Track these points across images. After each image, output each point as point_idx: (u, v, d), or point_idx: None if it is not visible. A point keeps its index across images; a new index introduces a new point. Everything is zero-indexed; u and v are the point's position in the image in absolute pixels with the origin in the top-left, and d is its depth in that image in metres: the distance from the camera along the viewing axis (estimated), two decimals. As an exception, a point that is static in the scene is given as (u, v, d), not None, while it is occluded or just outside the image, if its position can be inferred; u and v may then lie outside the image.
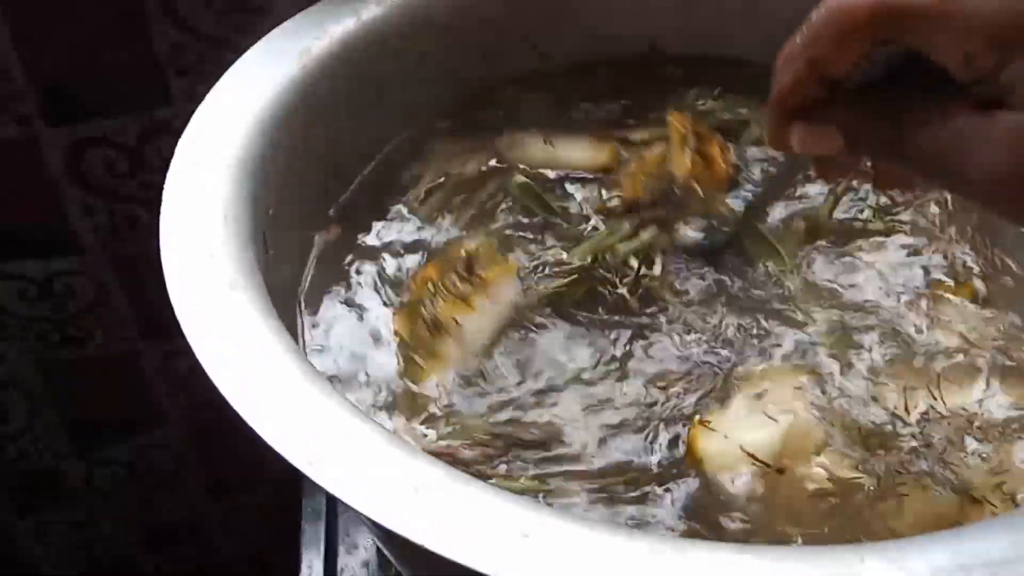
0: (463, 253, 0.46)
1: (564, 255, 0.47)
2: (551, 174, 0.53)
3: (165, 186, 0.40)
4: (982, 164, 0.28)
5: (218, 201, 0.40)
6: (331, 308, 0.46)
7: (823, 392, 0.40)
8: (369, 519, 0.28)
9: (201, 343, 0.33)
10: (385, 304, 0.46)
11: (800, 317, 0.44)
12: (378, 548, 0.54)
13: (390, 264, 0.48)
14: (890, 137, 0.31)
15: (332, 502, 0.56)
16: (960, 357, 0.42)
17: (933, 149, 0.30)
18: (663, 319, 0.45)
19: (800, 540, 0.33)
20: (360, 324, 0.45)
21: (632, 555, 0.26)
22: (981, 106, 0.29)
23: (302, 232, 0.48)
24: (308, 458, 0.29)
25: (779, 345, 0.43)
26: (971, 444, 0.38)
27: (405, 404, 0.41)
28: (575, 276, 0.46)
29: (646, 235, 0.48)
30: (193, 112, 0.44)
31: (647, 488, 0.36)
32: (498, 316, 0.44)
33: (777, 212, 0.50)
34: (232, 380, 0.32)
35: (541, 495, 0.37)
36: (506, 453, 0.38)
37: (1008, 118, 0.28)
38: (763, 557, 0.26)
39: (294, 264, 0.47)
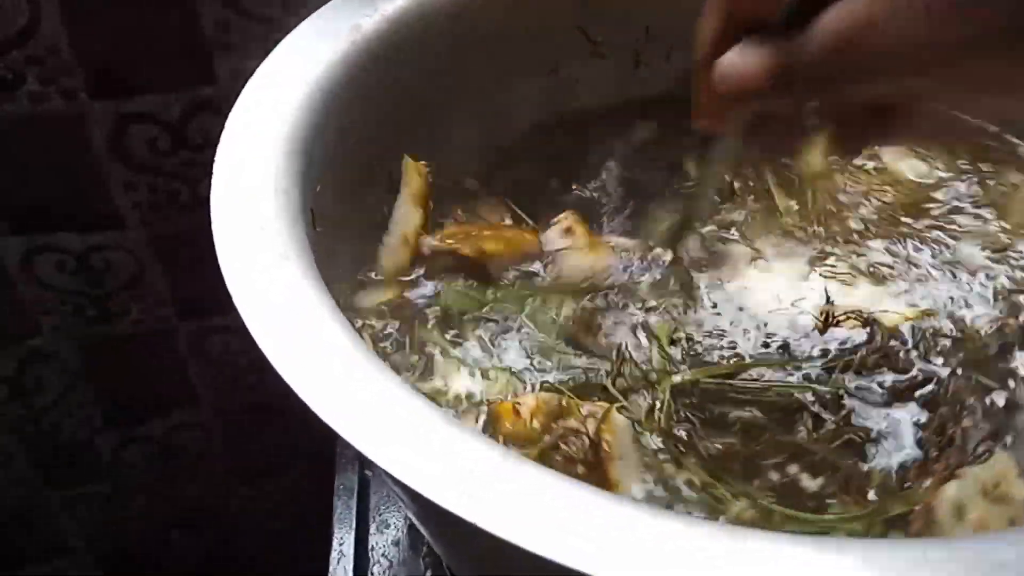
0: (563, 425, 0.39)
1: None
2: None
3: (216, 159, 0.40)
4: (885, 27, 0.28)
5: (268, 175, 0.40)
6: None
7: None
8: (414, 494, 0.27)
9: (251, 313, 0.33)
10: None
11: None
12: (409, 527, 0.54)
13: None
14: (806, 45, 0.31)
15: (364, 480, 0.56)
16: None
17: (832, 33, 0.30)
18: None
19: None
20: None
21: (691, 542, 0.26)
22: None
23: (348, 211, 0.48)
24: (357, 430, 0.29)
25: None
26: None
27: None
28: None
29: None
30: (236, 90, 0.44)
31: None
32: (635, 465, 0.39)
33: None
34: (281, 351, 0.32)
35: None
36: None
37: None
38: (825, 551, 0.25)
39: (341, 241, 0.46)
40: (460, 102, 0.54)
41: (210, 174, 0.39)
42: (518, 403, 0.38)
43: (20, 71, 0.62)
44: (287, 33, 0.47)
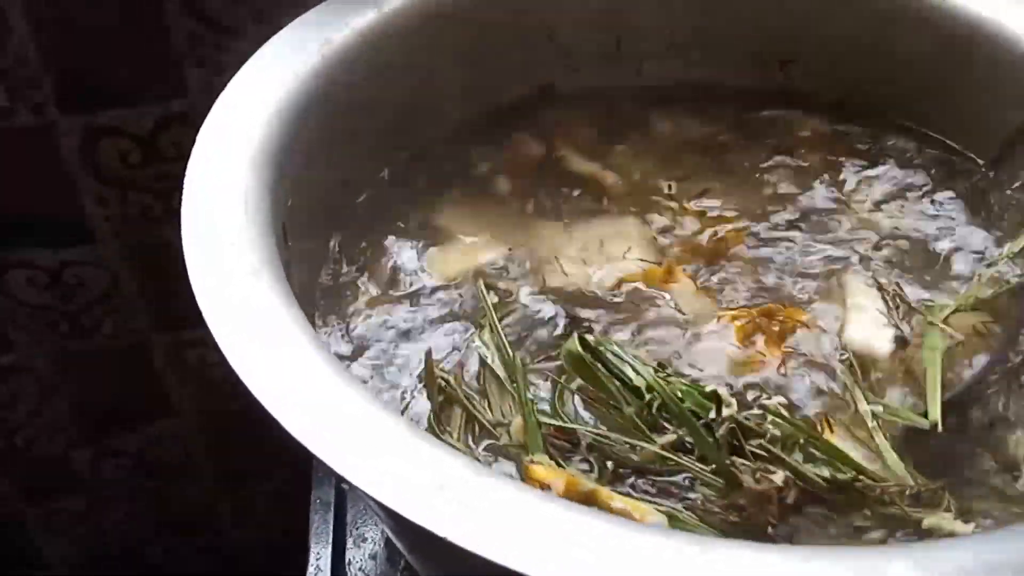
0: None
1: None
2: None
3: (187, 174, 0.40)
4: None
5: (238, 190, 0.40)
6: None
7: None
8: (388, 510, 0.28)
9: (222, 330, 0.33)
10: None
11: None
12: (386, 541, 0.53)
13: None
14: None
15: (341, 494, 0.56)
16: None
17: None
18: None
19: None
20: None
21: (658, 553, 0.26)
22: None
23: (321, 225, 0.48)
24: (329, 448, 0.29)
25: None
26: None
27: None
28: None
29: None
30: (208, 103, 0.44)
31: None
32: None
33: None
34: (252, 368, 0.32)
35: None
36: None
37: None
38: (790, 557, 0.26)
39: (313, 256, 0.46)
40: (431, 115, 0.54)
41: (182, 188, 0.39)
42: (546, 484, 0.35)
43: (-12, 86, 0.62)
44: (259, 46, 0.47)
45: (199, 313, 0.34)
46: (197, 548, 1.00)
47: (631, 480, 0.37)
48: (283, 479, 0.94)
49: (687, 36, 0.59)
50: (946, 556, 0.26)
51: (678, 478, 0.37)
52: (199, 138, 0.42)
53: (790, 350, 0.43)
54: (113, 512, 0.93)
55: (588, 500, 0.35)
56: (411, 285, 0.47)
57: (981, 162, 0.54)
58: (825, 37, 0.57)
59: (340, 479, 0.58)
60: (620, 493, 0.36)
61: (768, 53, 0.59)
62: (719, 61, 0.59)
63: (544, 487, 0.35)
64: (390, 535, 0.50)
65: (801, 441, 0.37)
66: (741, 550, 0.26)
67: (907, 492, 0.35)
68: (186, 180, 0.40)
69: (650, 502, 0.35)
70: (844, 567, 0.25)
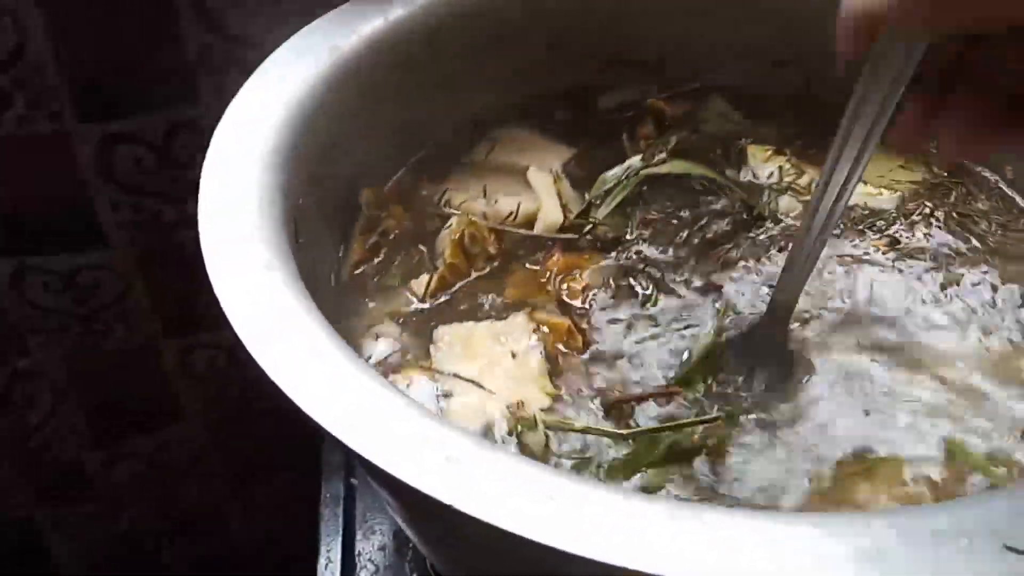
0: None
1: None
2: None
3: (202, 173, 0.42)
4: None
5: (252, 189, 0.42)
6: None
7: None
8: (405, 486, 0.29)
9: (238, 318, 0.34)
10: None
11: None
12: (395, 533, 0.55)
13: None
14: None
15: (351, 488, 0.58)
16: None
17: None
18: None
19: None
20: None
21: (651, 518, 0.28)
22: None
23: (329, 223, 0.50)
24: (342, 425, 0.31)
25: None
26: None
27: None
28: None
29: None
30: (219, 110, 0.46)
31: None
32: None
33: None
34: (267, 353, 0.33)
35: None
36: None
37: None
38: (776, 521, 0.27)
39: (322, 253, 0.48)
40: (437, 118, 0.56)
41: (195, 192, 0.41)
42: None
43: (7, 94, 0.64)
44: (267, 55, 0.49)
45: (208, 316, 0.35)
46: (205, 550, 1.01)
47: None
48: (290, 481, 0.96)
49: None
50: (921, 521, 0.27)
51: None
52: (214, 140, 0.44)
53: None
54: (124, 514, 0.95)
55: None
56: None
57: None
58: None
59: (351, 471, 0.60)
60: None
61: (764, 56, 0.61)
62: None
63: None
64: (398, 521, 0.52)
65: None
66: (732, 515, 0.28)
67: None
68: (202, 180, 0.42)
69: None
70: (822, 530, 0.26)
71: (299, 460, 0.72)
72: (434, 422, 0.31)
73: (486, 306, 0.48)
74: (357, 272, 0.50)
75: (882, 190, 0.55)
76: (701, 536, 0.27)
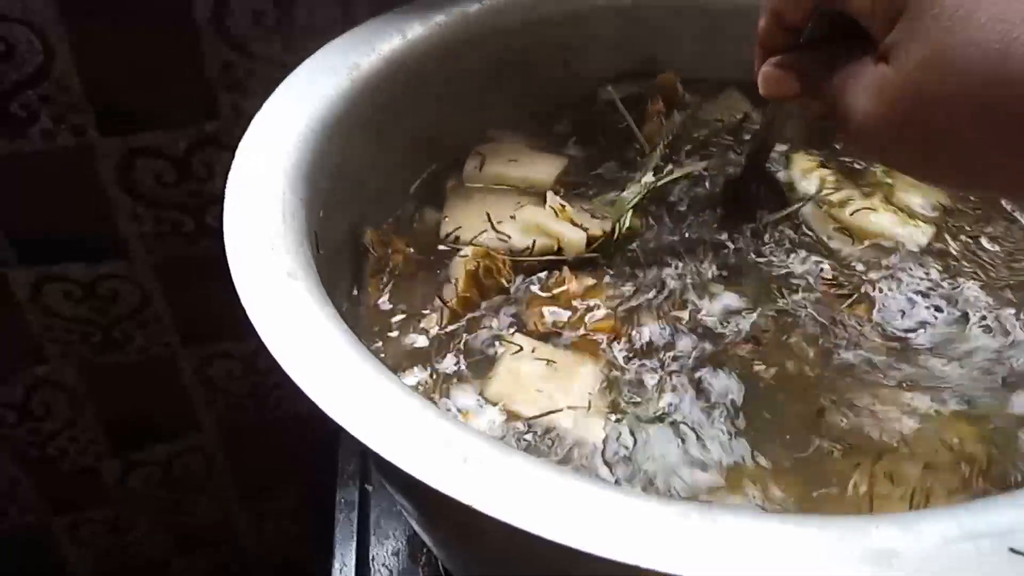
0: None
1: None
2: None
3: (227, 185, 0.43)
4: (852, 104, 0.35)
5: (275, 201, 0.43)
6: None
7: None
8: (423, 486, 0.30)
9: (264, 325, 0.35)
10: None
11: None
12: (408, 538, 0.56)
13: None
14: (825, 83, 0.37)
15: (365, 495, 0.59)
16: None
17: (837, 91, 0.36)
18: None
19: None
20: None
21: (665, 518, 0.28)
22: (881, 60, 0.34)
23: (350, 235, 0.51)
24: (362, 426, 0.32)
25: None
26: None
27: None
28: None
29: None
30: (238, 125, 0.47)
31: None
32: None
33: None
34: (289, 355, 0.34)
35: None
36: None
37: (880, 70, 0.34)
38: (785, 522, 0.28)
39: (342, 263, 0.50)
40: (454, 134, 0.57)
41: (213, 205, 0.42)
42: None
43: (34, 110, 0.66)
44: (288, 72, 0.51)
45: (225, 327, 0.36)
46: (218, 561, 1.02)
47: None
48: (302, 494, 0.97)
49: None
50: (930, 524, 0.28)
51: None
52: (238, 154, 0.45)
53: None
54: (138, 524, 0.96)
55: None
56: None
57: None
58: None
59: (367, 477, 0.61)
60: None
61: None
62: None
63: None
64: (414, 525, 0.53)
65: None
66: (741, 516, 0.28)
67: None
68: (227, 191, 0.43)
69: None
70: (831, 532, 0.27)
71: (313, 470, 0.73)
72: (451, 424, 0.32)
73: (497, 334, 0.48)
74: (376, 307, 0.50)
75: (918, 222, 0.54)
76: (713, 536, 0.28)
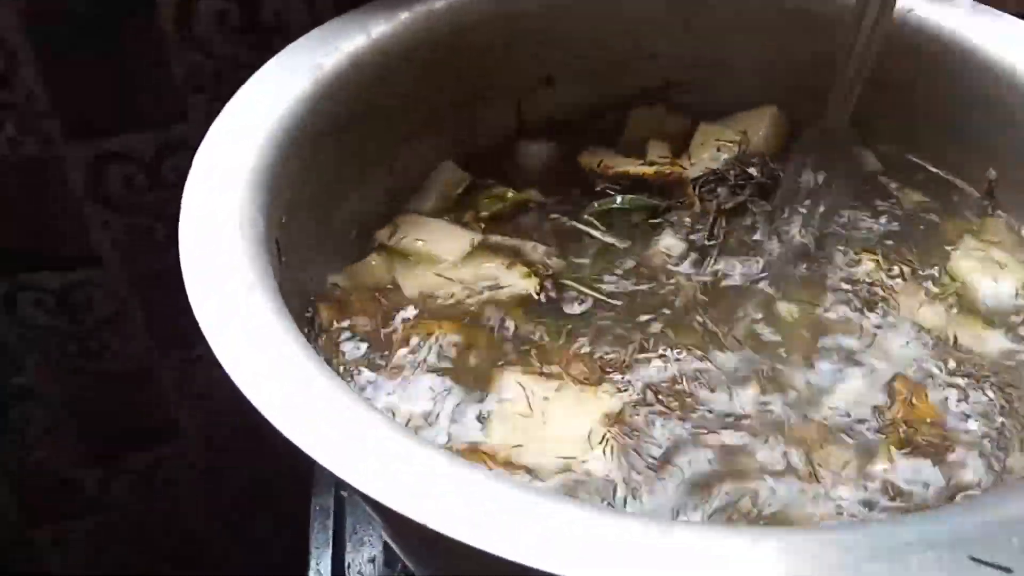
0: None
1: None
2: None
3: (184, 194, 0.42)
4: None
5: (234, 208, 0.42)
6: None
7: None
8: (381, 505, 0.29)
9: (218, 340, 0.35)
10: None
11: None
12: (384, 544, 0.55)
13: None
14: None
15: (340, 500, 0.58)
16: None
17: None
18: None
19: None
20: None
21: (628, 534, 0.28)
22: None
23: (312, 241, 0.50)
24: (322, 448, 0.31)
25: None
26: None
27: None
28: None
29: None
30: (208, 128, 0.46)
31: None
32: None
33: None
34: (246, 375, 0.34)
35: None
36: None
37: None
38: (741, 536, 0.27)
39: (305, 270, 0.49)
40: (419, 135, 0.56)
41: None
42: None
43: (-2, 118, 0.65)
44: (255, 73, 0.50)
45: (202, 334, 0.35)
46: (202, 568, 1.01)
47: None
48: (285, 500, 0.96)
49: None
50: (891, 533, 0.28)
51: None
52: (196, 160, 0.44)
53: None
54: (120, 532, 0.95)
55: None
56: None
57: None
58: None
59: (341, 484, 0.60)
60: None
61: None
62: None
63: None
64: (386, 537, 0.52)
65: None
66: (694, 532, 0.28)
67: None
68: (183, 200, 0.42)
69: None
70: (786, 544, 0.27)
71: (297, 476, 0.72)
72: (410, 439, 0.31)
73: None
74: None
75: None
76: (683, 555, 0.27)
